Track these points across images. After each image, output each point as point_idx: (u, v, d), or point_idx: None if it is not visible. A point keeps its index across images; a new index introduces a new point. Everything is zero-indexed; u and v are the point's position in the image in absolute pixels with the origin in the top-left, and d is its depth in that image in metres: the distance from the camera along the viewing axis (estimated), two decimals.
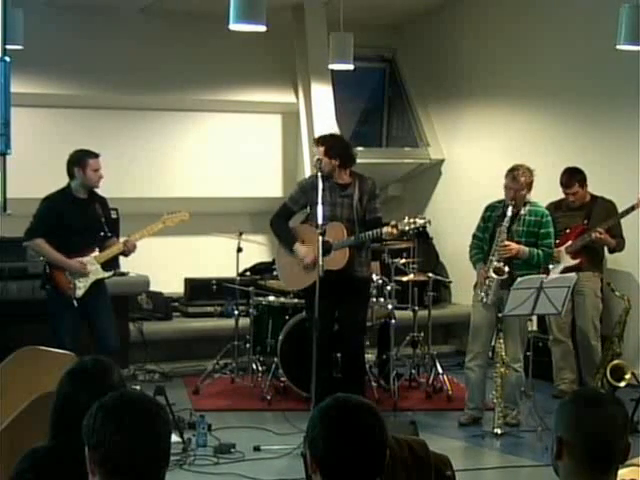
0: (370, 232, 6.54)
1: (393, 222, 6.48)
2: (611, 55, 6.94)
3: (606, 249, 7.59)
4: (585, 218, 7.52)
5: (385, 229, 6.46)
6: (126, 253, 6.70)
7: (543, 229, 6.62)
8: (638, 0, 6.12)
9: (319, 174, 6.39)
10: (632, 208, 7.28)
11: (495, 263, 6.47)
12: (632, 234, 7.68)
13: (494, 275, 6.44)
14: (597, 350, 7.42)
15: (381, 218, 6.74)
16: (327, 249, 6.47)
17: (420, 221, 6.46)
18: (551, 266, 7.19)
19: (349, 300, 6.67)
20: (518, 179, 6.48)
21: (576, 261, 7.45)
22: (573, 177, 7.52)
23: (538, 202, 6.71)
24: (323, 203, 6.31)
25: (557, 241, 7.37)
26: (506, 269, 6.42)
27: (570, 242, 7.49)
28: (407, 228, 6.44)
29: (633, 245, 7.71)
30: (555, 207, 7.53)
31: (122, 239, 6.75)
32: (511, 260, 6.49)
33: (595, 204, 7.58)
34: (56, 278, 6.50)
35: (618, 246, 7.53)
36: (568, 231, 7.52)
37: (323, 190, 6.38)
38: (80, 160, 6.47)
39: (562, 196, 7.64)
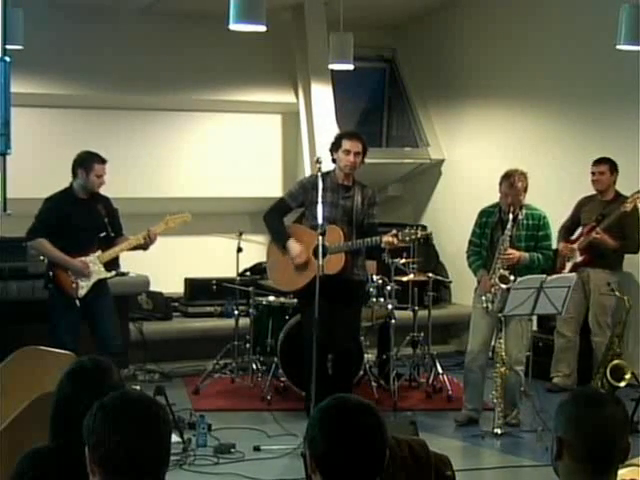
0: (368, 239, 6.44)
1: (394, 231, 6.41)
2: (611, 55, 6.94)
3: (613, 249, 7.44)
4: (600, 215, 7.46)
5: (385, 238, 6.36)
6: (147, 245, 6.62)
7: (542, 231, 6.59)
8: (638, 0, 6.12)
9: (319, 173, 6.28)
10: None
11: (500, 272, 6.42)
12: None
13: (501, 284, 6.38)
14: (599, 347, 7.37)
15: (376, 225, 6.69)
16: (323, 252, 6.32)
17: (421, 232, 6.45)
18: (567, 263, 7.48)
19: (345, 303, 6.59)
20: (516, 185, 6.42)
21: (582, 258, 7.47)
22: (605, 159, 7.50)
23: (533, 204, 6.67)
24: (323, 203, 6.20)
25: (575, 236, 7.58)
26: (511, 277, 6.38)
27: (582, 238, 7.53)
28: (408, 239, 6.39)
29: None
30: (585, 201, 7.55)
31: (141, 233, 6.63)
32: (514, 267, 6.47)
33: (615, 202, 7.46)
34: (59, 278, 6.50)
35: (622, 248, 7.43)
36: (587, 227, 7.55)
37: (324, 190, 6.28)
38: (86, 162, 6.46)
39: (563, 195, 7.65)
